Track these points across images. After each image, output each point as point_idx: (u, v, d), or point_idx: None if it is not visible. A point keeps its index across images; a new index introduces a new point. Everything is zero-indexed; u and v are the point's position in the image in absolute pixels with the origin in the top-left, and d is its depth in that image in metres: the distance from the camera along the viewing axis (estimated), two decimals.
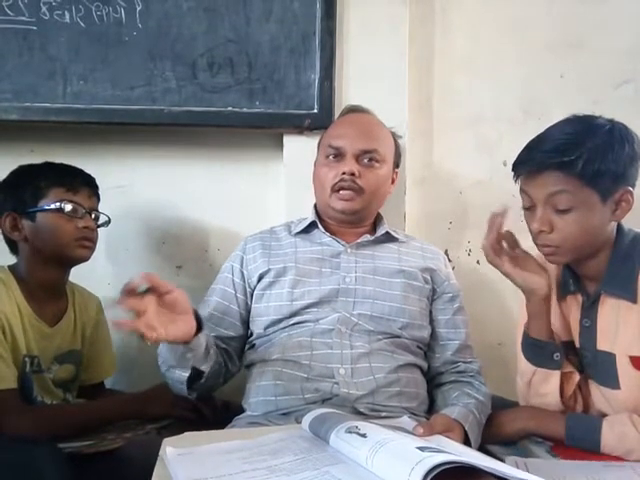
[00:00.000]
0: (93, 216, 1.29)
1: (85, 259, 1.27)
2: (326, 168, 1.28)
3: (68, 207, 1.23)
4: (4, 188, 1.27)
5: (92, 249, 1.28)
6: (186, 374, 1.09)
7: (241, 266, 1.29)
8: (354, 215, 1.29)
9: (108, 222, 1.35)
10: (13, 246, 1.27)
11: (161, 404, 1.25)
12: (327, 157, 1.29)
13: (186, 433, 0.94)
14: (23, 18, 1.42)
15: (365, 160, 1.27)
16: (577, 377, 1.11)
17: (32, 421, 1.11)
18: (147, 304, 0.95)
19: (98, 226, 1.31)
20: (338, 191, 1.26)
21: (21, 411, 1.12)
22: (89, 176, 1.31)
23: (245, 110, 1.49)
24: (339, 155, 1.27)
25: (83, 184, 1.28)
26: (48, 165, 1.28)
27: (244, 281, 1.28)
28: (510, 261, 1.10)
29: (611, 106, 1.52)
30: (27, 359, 1.19)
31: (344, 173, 1.24)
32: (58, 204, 1.23)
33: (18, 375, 1.16)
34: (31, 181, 1.24)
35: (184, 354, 1.06)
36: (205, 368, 1.11)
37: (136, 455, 1.04)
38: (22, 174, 1.27)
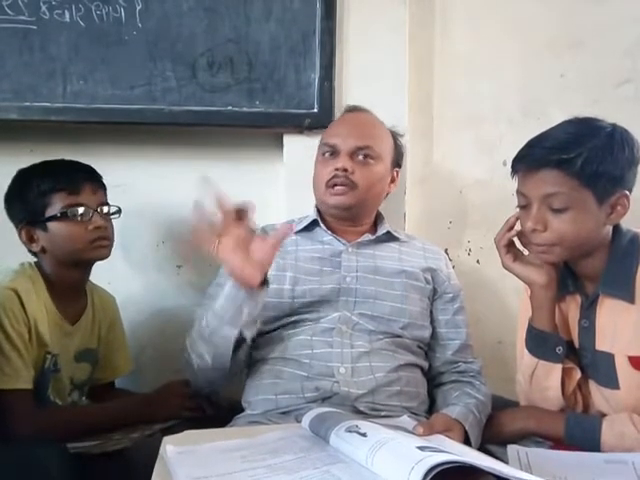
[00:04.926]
0: (104, 210, 1.26)
1: (104, 257, 1.26)
2: (321, 165, 1.30)
3: (74, 212, 1.20)
4: (12, 199, 1.25)
5: (109, 246, 1.26)
6: (235, 332, 1.08)
7: None
8: (348, 211, 1.28)
9: (119, 211, 1.31)
10: (34, 253, 1.26)
11: (169, 407, 1.25)
12: (323, 155, 1.30)
13: (186, 432, 0.94)
14: (23, 17, 1.42)
15: (360, 157, 1.27)
16: (578, 374, 1.11)
17: (40, 425, 1.11)
18: (234, 227, 1.03)
19: (110, 215, 1.28)
20: (332, 187, 1.26)
21: (31, 414, 1.12)
22: (88, 168, 1.26)
23: (245, 110, 1.48)
24: (334, 152, 1.28)
25: (84, 181, 1.23)
26: (45, 167, 1.24)
27: None
28: (511, 256, 1.12)
29: (611, 106, 1.53)
30: (48, 356, 1.19)
31: (337, 169, 1.25)
32: (63, 210, 1.20)
33: (37, 372, 1.16)
34: (33, 188, 1.21)
35: (241, 306, 1.06)
36: (249, 335, 1.11)
37: (141, 456, 1.03)
38: (23, 182, 1.24)
